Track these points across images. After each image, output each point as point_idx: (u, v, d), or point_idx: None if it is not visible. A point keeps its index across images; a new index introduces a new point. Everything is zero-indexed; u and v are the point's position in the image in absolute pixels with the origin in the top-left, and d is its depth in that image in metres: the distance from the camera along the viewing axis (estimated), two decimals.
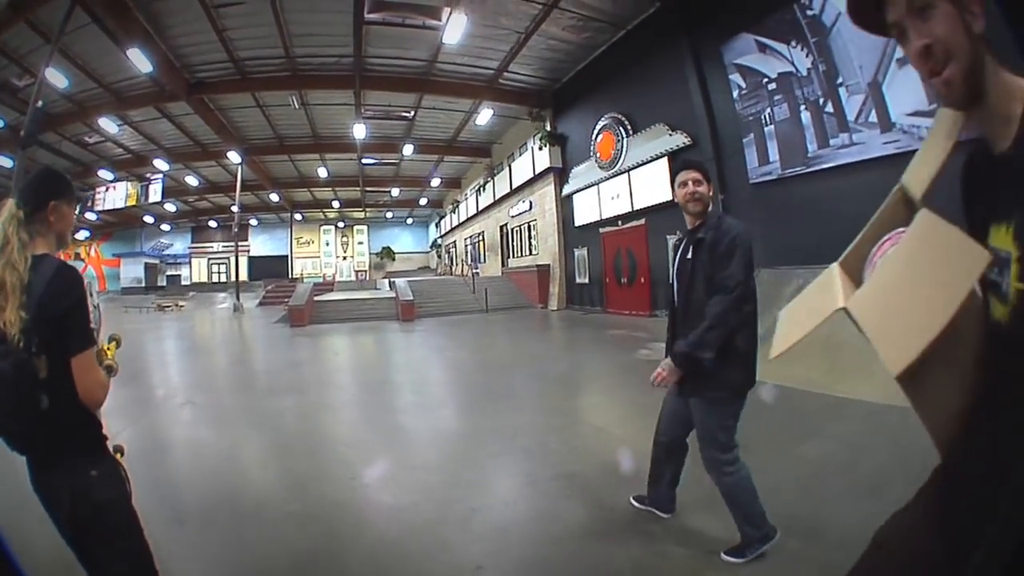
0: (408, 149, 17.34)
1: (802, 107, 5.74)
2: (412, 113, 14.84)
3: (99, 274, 30.32)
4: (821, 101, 5.51)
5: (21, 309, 1.06)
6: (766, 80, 6.14)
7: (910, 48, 0.63)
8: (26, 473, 1.22)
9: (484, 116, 14.43)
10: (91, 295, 1.22)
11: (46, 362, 1.07)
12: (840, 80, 5.24)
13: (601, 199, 10.84)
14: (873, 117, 5.10)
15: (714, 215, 1.85)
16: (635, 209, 9.50)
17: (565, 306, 12.76)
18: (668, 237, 8.29)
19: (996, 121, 0.59)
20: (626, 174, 9.67)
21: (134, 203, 19.98)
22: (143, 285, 28.78)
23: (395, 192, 26.05)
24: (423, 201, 29.30)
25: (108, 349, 1.39)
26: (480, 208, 20.95)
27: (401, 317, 12.69)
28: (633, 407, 3.65)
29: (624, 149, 9.64)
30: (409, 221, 35.04)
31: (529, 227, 15.79)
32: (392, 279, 23.53)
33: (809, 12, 5.50)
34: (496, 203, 18.75)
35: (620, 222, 10.21)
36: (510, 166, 16.80)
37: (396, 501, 2.47)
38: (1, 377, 1.04)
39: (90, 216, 25.15)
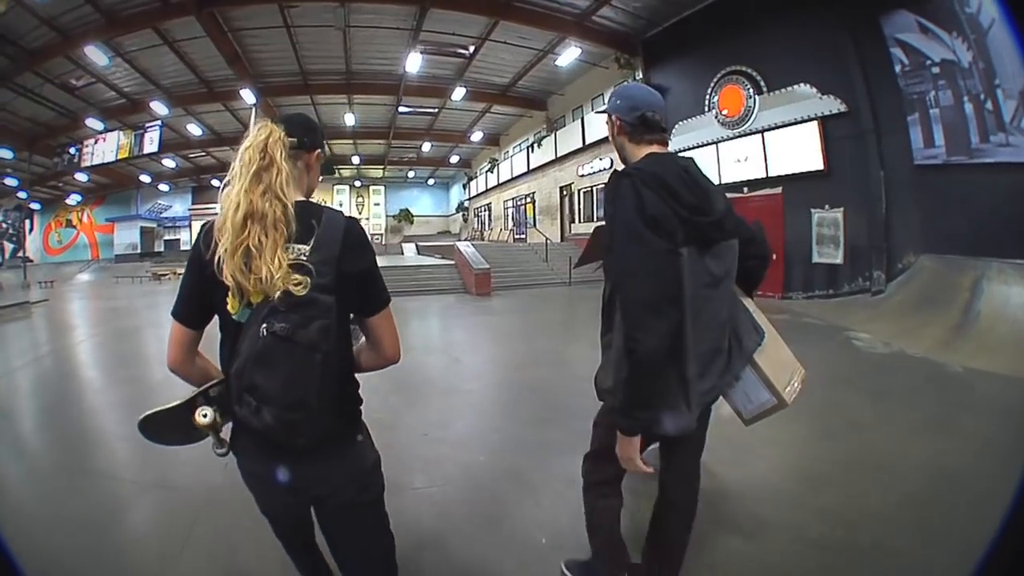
0: (458, 93, 18.46)
1: (964, 98, 7.10)
2: (473, 48, 15.73)
3: (92, 241, 33.21)
4: (982, 97, 6.87)
5: (283, 252, 1.07)
6: (929, 63, 7.50)
7: None
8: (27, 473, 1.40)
9: (568, 56, 15.48)
10: None
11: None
12: (997, 81, 6.58)
13: (721, 160, 11.51)
14: None
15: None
16: (770, 176, 10.47)
17: None
18: (813, 211, 9.52)
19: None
20: (759, 135, 10.61)
21: (126, 155, 20.57)
22: (138, 252, 31.35)
23: (426, 147, 27.67)
24: (454, 159, 31.14)
25: None
26: (531, 167, 22.60)
27: (475, 290, 13.74)
28: None
29: (755, 107, 10.67)
30: (431, 182, 37.78)
31: None
32: (418, 243, 26.17)
33: (967, 10, 6.81)
34: (557, 160, 20.34)
35: (746, 189, 11.01)
36: (582, 119, 18.23)
37: None
38: (301, 345, 1.04)
39: (80, 177, 26.39)
